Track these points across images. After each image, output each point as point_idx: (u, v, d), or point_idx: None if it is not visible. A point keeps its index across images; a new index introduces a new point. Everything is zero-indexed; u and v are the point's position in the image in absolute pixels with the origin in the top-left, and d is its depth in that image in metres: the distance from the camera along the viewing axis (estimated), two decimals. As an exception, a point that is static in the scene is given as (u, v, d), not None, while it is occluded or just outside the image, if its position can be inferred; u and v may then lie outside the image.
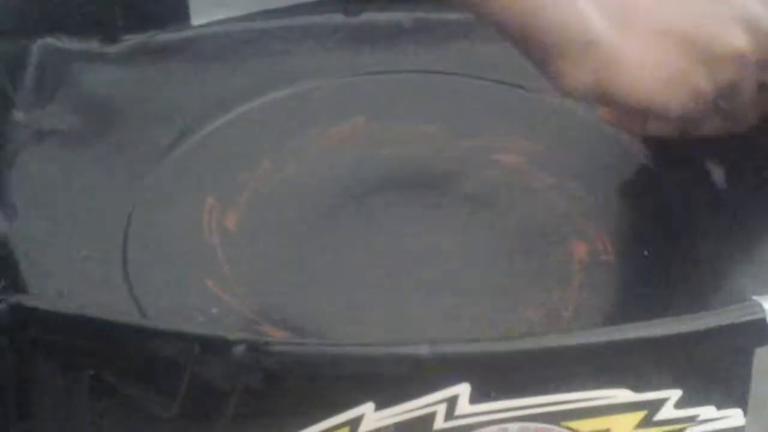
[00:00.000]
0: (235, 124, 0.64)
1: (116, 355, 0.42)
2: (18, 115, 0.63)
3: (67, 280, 0.53)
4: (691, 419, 0.43)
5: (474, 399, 0.41)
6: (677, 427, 0.43)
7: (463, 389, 0.41)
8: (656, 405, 0.42)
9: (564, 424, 0.42)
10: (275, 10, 0.71)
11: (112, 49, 0.69)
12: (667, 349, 0.43)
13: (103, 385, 0.42)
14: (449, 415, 0.41)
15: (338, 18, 0.71)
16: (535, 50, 0.54)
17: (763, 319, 0.42)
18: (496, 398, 0.41)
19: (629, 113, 0.59)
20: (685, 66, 0.54)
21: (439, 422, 0.41)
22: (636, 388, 0.42)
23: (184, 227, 0.58)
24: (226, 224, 0.58)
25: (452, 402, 0.41)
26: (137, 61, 0.68)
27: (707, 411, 0.43)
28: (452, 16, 0.70)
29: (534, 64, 0.55)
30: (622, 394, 0.42)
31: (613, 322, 0.52)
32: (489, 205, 0.59)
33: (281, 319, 0.52)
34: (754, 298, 0.42)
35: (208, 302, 0.53)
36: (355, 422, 0.41)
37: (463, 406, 0.41)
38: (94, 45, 0.68)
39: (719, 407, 0.43)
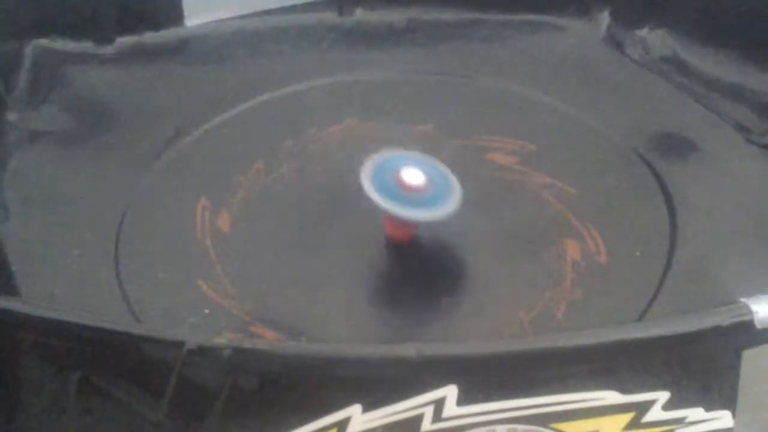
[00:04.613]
0: (229, 125, 0.64)
1: (105, 358, 0.42)
2: (11, 116, 0.63)
3: (59, 281, 0.53)
4: (679, 421, 0.43)
5: (461, 401, 0.41)
6: (665, 428, 0.43)
7: (450, 391, 0.40)
8: (644, 407, 0.42)
9: (552, 425, 0.42)
10: (269, 11, 0.71)
11: (106, 50, 0.69)
12: (656, 351, 0.42)
13: (92, 387, 0.42)
14: (436, 417, 0.41)
15: (332, 18, 0.71)
16: None
17: (752, 321, 0.42)
18: (484, 400, 0.41)
19: None
20: None
21: (427, 424, 0.41)
22: (624, 390, 0.42)
23: (177, 228, 0.58)
24: (219, 225, 0.58)
25: (439, 404, 0.41)
26: (131, 62, 0.69)
27: (695, 413, 0.43)
28: (446, 16, 0.70)
29: None
30: (611, 396, 0.42)
31: (605, 323, 0.52)
32: (482, 204, 0.59)
33: (273, 320, 0.52)
34: (743, 299, 0.42)
35: (200, 303, 0.53)
36: (343, 424, 0.41)
37: (451, 408, 0.41)
38: (88, 46, 0.69)
39: (707, 409, 0.43)
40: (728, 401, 0.43)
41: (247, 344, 0.40)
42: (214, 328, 0.51)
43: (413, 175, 0.54)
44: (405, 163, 0.54)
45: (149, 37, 0.70)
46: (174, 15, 0.70)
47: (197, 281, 0.54)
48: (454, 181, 0.55)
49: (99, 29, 0.68)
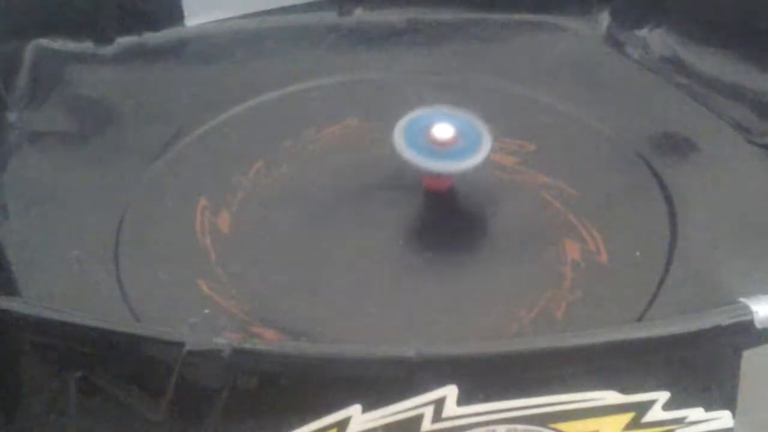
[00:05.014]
0: (229, 125, 0.64)
1: (105, 358, 0.42)
2: (11, 117, 0.63)
3: (59, 281, 0.53)
4: (680, 421, 0.43)
5: (461, 401, 0.41)
6: (665, 428, 0.43)
7: (450, 391, 0.41)
8: (644, 407, 0.42)
9: (552, 425, 0.42)
10: (269, 11, 0.71)
11: (106, 50, 0.69)
12: (656, 351, 0.42)
13: (92, 387, 0.42)
14: (437, 417, 0.41)
15: (332, 18, 0.72)
16: None
17: (752, 321, 0.42)
18: (484, 400, 0.41)
19: None
20: None
21: (427, 424, 0.41)
22: (624, 390, 0.42)
23: (177, 228, 0.58)
24: (219, 225, 0.58)
25: (439, 404, 0.41)
26: (131, 63, 0.69)
27: (696, 413, 0.43)
28: (445, 16, 0.70)
29: None
30: (611, 396, 0.42)
31: (605, 323, 0.52)
32: (482, 204, 0.59)
33: (273, 320, 0.52)
34: (742, 300, 0.42)
35: (200, 303, 0.53)
36: (343, 424, 0.41)
37: (451, 408, 0.41)
38: (88, 46, 0.69)
39: (708, 409, 0.43)
40: (728, 401, 0.43)
41: (247, 344, 0.40)
42: (214, 328, 0.51)
43: (443, 130, 0.56)
44: (435, 119, 0.57)
45: (149, 37, 0.70)
46: (174, 15, 0.70)
47: (197, 281, 0.54)
48: (484, 130, 0.57)
49: (99, 29, 0.68)
